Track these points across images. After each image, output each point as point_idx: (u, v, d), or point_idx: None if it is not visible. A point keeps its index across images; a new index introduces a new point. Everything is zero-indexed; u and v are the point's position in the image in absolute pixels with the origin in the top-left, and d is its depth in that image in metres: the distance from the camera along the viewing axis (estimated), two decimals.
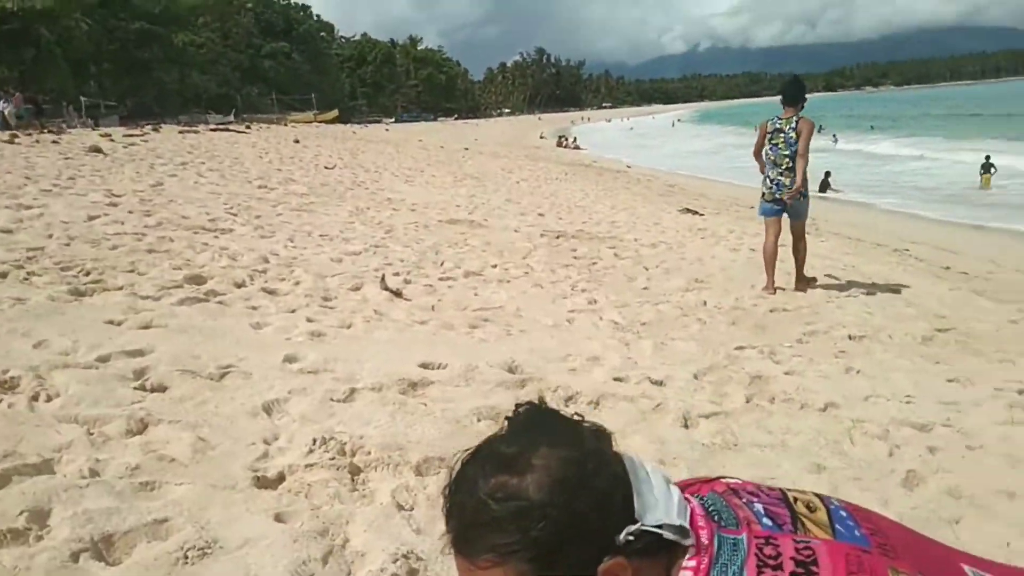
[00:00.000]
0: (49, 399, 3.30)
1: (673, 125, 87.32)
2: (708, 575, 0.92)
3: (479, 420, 3.62)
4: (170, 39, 63.59)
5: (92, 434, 3.00)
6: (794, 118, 6.74)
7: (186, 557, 2.31)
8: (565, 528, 0.90)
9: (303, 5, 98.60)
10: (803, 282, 7.24)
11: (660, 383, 4.33)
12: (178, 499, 2.61)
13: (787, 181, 6.81)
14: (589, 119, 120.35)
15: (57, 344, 3.90)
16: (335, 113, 74.67)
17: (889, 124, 55.23)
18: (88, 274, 5.34)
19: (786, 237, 7.14)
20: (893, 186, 21.60)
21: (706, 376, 4.51)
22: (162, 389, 3.55)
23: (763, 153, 7.03)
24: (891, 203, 17.93)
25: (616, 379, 4.37)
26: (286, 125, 47.18)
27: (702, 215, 13.35)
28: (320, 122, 63.39)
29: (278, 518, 2.59)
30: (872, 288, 7.49)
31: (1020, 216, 15.04)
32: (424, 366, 4.27)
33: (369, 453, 3.11)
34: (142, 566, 2.25)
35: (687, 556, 0.94)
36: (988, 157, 20.01)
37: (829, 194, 18.44)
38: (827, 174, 19.04)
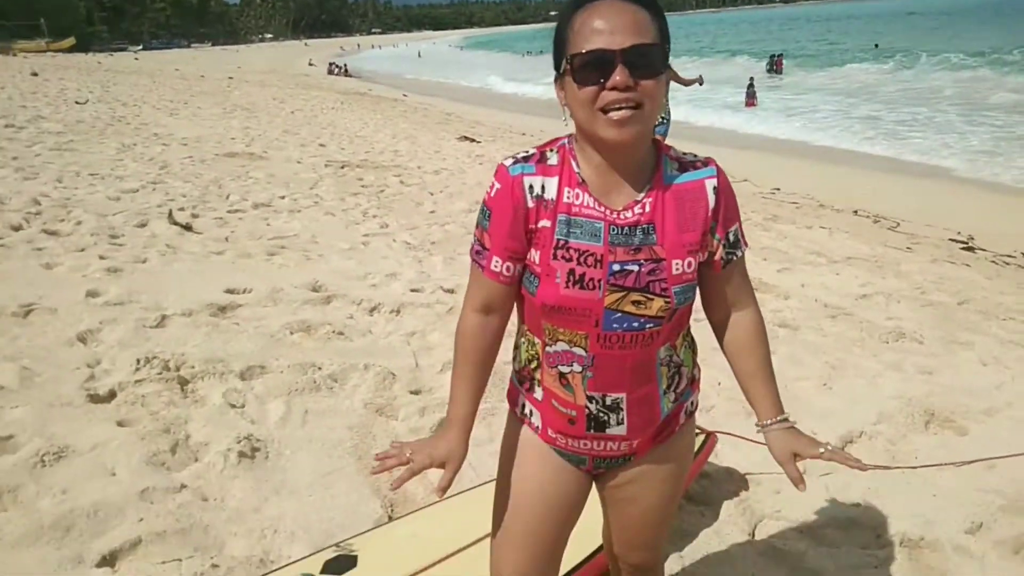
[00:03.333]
0: None
1: (462, 49, 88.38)
2: None
3: (292, 333, 4.01)
4: None
5: None
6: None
7: (43, 462, 2.57)
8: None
9: None
10: None
11: (451, 291, 4.91)
12: (18, 419, 2.82)
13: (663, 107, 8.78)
14: (360, 46, 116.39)
15: None
16: (71, 41, 66.50)
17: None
18: None
19: None
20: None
21: None
22: None
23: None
24: None
25: (413, 290, 4.90)
26: (15, 55, 41.63)
27: (479, 142, 14.01)
28: (54, 51, 56.45)
29: (120, 424, 2.89)
30: None
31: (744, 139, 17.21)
32: (230, 291, 4.53)
33: (193, 367, 3.42)
34: (2, 473, 2.48)
35: None
36: (752, 80, 22.34)
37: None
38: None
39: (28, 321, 3.76)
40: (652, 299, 1.38)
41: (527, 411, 1.56)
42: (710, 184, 1.41)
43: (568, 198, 1.39)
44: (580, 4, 1.33)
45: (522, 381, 1.57)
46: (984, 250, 7.29)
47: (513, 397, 1.61)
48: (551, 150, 1.43)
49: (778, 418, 1.53)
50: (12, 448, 2.65)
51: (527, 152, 1.43)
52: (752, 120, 18.86)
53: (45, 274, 4.52)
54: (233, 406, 3.13)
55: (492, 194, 1.42)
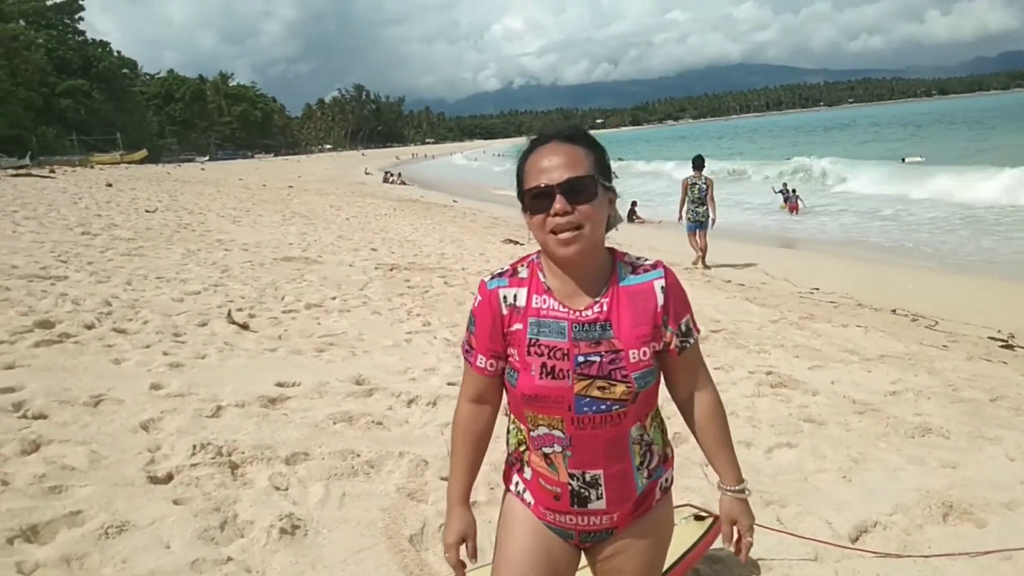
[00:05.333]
0: None
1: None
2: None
3: (335, 423, 4.29)
4: None
5: None
6: (702, 176, 12.31)
7: (107, 534, 2.85)
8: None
9: (101, 42, 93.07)
10: (704, 264, 12.41)
11: None
12: (86, 496, 3.12)
13: (703, 211, 12.21)
14: (414, 155, 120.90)
15: None
16: (143, 153, 70.95)
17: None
18: None
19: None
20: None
21: None
22: (43, 416, 3.95)
23: (685, 196, 12.36)
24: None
25: (450, 384, 5.16)
26: (92, 167, 44.54)
27: (522, 244, 14.50)
28: (128, 162, 60.10)
29: (176, 503, 3.17)
30: None
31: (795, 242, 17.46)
32: (280, 385, 4.86)
33: (243, 453, 3.71)
34: (71, 542, 2.76)
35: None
36: (785, 185, 22.77)
37: (635, 221, 20.26)
38: (633, 203, 20.95)
39: (98, 410, 4.12)
40: (615, 384, 1.62)
41: (520, 489, 1.80)
42: (658, 284, 1.68)
43: (536, 303, 1.67)
44: (531, 149, 1.67)
45: (513, 463, 1.82)
46: None
47: (508, 476, 1.85)
48: (522, 265, 1.74)
49: (736, 487, 1.78)
50: (80, 522, 2.94)
51: (503, 269, 1.75)
52: (797, 220, 19.18)
53: (114, 368, 4.92)
54: (277, 488, 3.39)
55: (476, 304, 1.74)
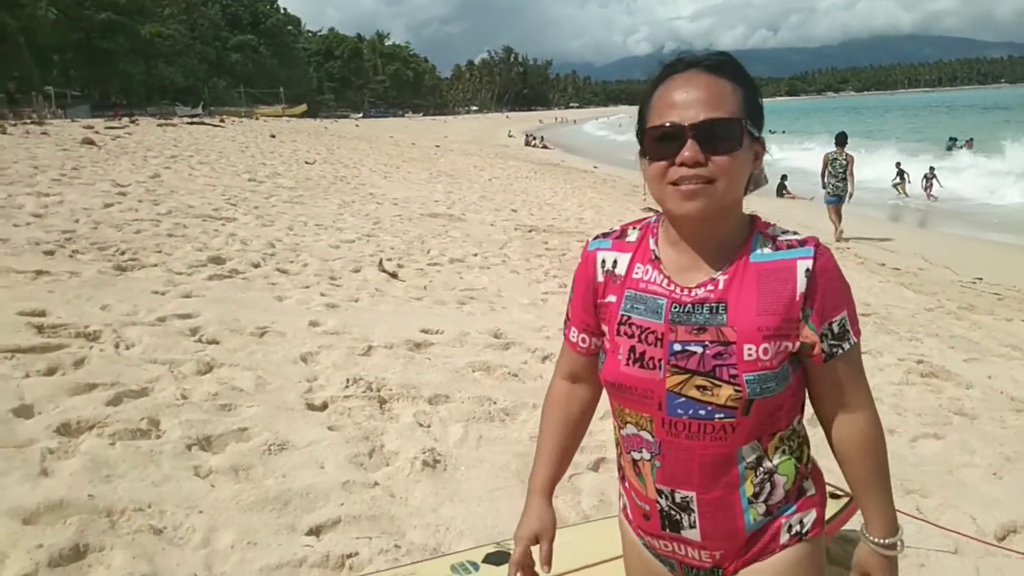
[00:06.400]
0: (128, 348, 4.08)
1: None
2: None
3: (474, 371, 4.48)
4: (136, 30, 63.32)
5: (173, 372, 3.80)
6: (843, 152, 12.75)
7: (269, 451, 3.14)
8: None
9: None
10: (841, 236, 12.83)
11: None
12: (252, 416, 3.44)
13: (842, 186, 12.65)
14: (557, 119, 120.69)
15: (119, 308, 4.67)
16: (303, 107, 74.83)
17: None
18: (123, 253, 6.09)
19: None
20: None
21: None
22: (216, 342, 4.36)
23: (826, 170, 12.78)
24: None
25: None
26: (257, 119, 47.47)
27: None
28: (289, 116, 63.55)
29: (330, 429, 3.44)
30: None
31: (950, 220, 16.30)
32: (424, 331, 5.11)
33: (391, 390, 3.95)
34: (239, 455, 3.07)
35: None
36: (899, 164, 21.26)
37: (785, 196, 19.51)
38: (783, 177, 20.14)
39: (263, 340, 4.49)
40: (719, 385, 1.26)
41: (624, 502, 1.50)
42: (802, 265, 1.27)
43: (637, 274, 1.36)
44: (661, 78, 1.30)
45: (618, 467, 1.50)
46: None
47: (618, 491, 1.54)
48: (634, 227, 1.43)
49: (884, 540, 1.36)
50: (247, 438, 3.25)
51: (611, 229, 1.46)
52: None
53: (277, 304, 5.33)
54: (421, 425, 3.61)
55: (578, 268, 1.47)
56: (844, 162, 12.63)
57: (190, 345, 4.23)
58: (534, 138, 47.21)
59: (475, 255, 8.33)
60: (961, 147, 30.30)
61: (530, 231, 10.59)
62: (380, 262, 6.94)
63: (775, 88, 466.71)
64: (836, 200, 12.89)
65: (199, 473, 2.93)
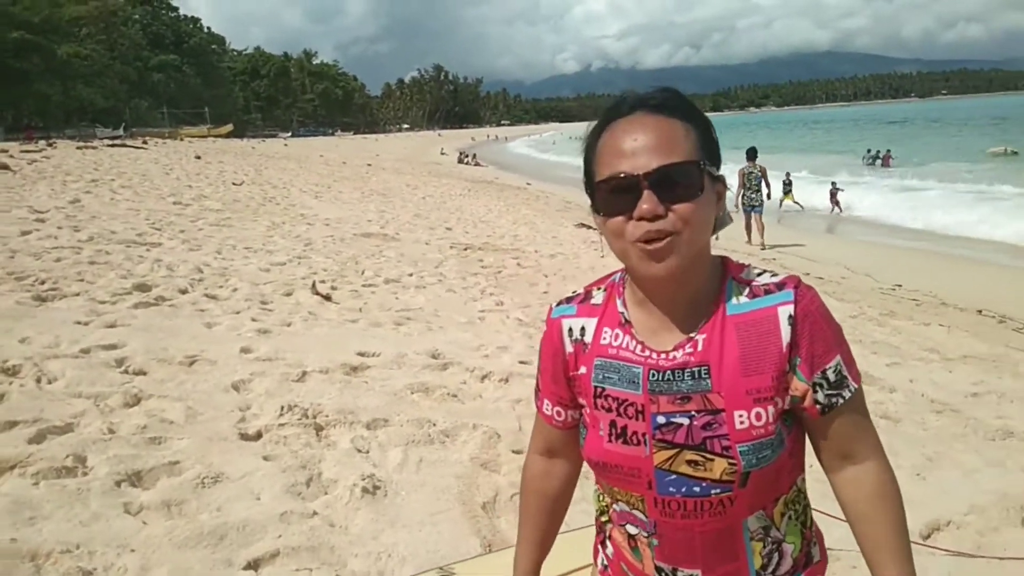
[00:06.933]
0: (51, 381, 3.92)
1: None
2: None
3: (412, 393, 4.45)
4: (52, 50, 61.11)
5: (99, 406, 3.67)
6: (756, 165, 13.51)
7: (202, 483, 3.06)
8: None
9: (192, 18, 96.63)
10: (763, 244, 13.43)
11: None
12: (183, 448, 3.34)
13: (758, 196, 13.45)
14: (489, 136, 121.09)
15: (40, 340, 4.49)
16: (229, 127, 73.59)
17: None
18: (43, 283, 5.86)
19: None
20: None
21: None
22: (143, 373, 4.23)
23: (742, 183, 13.43)
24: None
25: (521, 362, 5.27)
26: (181, 140, 46.29)
27: (595, 229, 14.48)
28: (214, 136, 62.24)
29: (265, 459, 3.36)
30: None
31: (872, 230, 16.96)
32: (361, 354, 5.05)
33: (328, 416, 3.90)
34: (171, 489, 2.98)
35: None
36: (788, 174, 21.62)
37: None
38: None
39: (192, 369, 4.37)
40: (712, 459, 1.12)
41: (603, 563, 1.37)
42: (784, 312, 1.12)
43: (605, 339, 1.22)
44: (605, 123, 1.16)
45: (598, 531, 1.38)
46: None
47: (594, 549, 1.42)
48: (598, 288, 1.29)
49: None
50: (178, 471, 3.16)
51: (575, 292, 1.33)
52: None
53: (207, 332, 5.20)
54: (359, 451, 3.57)
55: (543, 337, 1.33)
56: (759, 174, 13.53)
57: (116, 377, 4.09)
58: (467, 156, 47.38)
59: (410, 275, 8.29)
60: (879, 160, 31.56)
61: (465, 249, 10.59)
62: (313, 284, 6.84)
63: (700, 104, 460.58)
64: (757, 209, 13.68)
65: (129, 510, 2.83)
